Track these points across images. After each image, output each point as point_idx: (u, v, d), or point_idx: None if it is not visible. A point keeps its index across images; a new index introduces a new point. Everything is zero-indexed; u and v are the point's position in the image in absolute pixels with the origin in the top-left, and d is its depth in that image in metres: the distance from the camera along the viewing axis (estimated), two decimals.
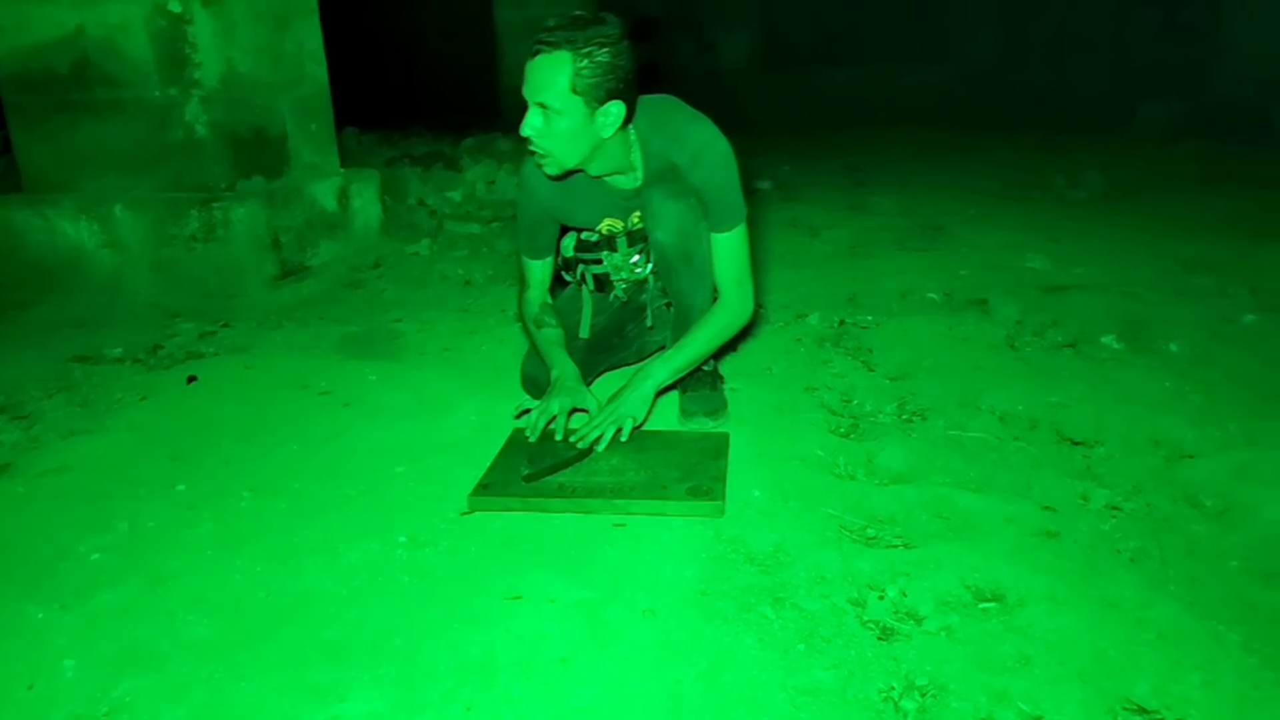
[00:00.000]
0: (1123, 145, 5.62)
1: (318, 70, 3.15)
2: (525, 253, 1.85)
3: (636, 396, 1.63)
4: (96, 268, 2.77)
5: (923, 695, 1.04)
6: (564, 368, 1.70)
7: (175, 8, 2.58)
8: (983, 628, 1.14)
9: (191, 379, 2.06)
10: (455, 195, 4.19)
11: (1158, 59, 8.55)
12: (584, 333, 1.90)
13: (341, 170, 3.27)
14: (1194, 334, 2.19)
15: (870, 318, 2.42)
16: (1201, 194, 3.97)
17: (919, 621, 1.17)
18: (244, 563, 1.31)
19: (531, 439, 1.59)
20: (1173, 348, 2.13)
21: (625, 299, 1.92)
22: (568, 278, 1.94)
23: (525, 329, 1.88)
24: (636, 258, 1.83)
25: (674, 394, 1.83)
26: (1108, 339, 2.18)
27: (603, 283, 1.89)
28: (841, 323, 2.41)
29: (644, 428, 1.66)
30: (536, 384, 1.81)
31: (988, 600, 1.20)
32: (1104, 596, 1.21)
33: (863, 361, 2.15)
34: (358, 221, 3.27)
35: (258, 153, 2.84)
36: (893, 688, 1.05)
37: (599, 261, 1.84)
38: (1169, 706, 1.03)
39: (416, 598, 1.22)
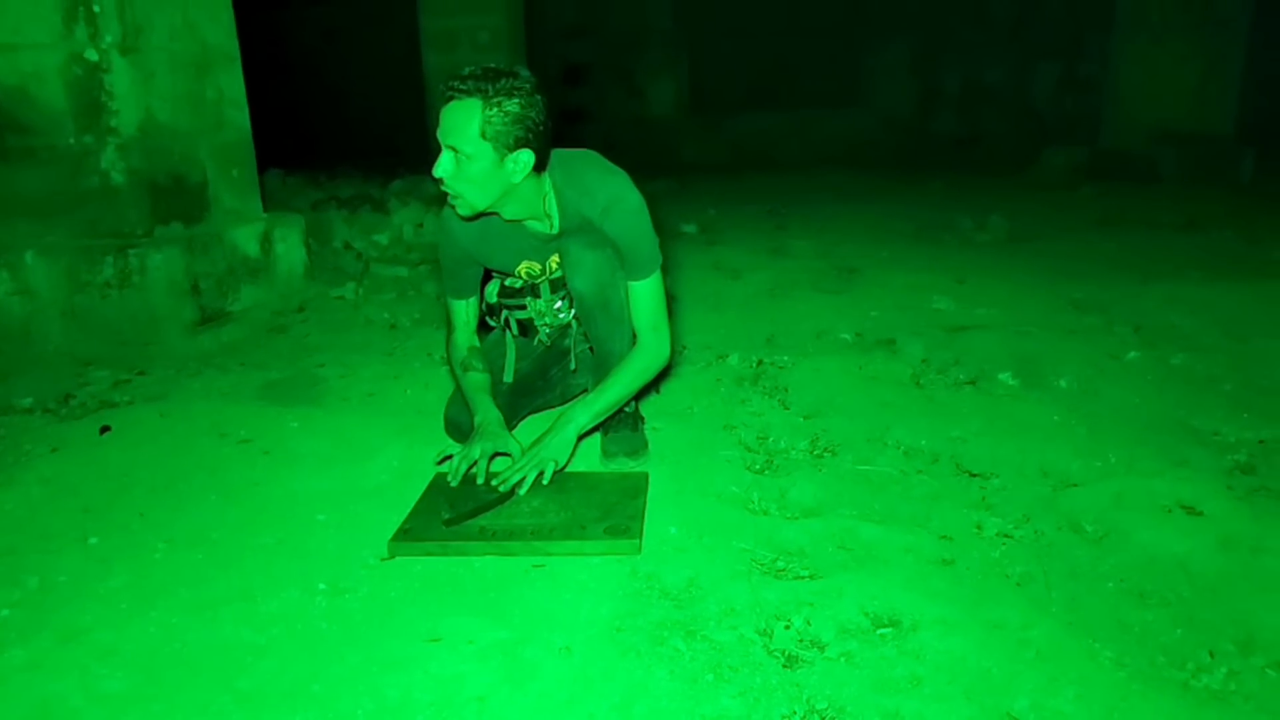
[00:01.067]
0: (1027, 190, 6.00)
1: (239, 116, 3.15)
2: (449, 293, 1.89)
3: (559, 440, 1.68)
4: (4, 316, 2.68)
5: (822, 717, 1.10)
6: (487, 413, 1.74)
7: (92, 56, 2.56)
8: (879, 652, 1.22)
9: (105, 429, 2.02)
10: (382, 238, 4.20)
11: (1059, 109, 9.18)
12: (508, 377, 1.95)
13: (264, 215, 3.26)
14: (1082, 370, 2.36)
15: (787, 358, 2.52)
16: (1096, 237, 4.27)
17: (821, 649, 1.23)
18: (159, 615, 1.30)
19: (453, 483, 1.62)
20: (1062, 383, 2.29)
21: (549, 343, 1.97)
22: (492, 323, 1.98)
23: (452, 372, 1.91)
24: (560, 303, 1.89)
25: (596, 436, 1.88)
26: (1004, 375, 2.33)
27: (526, 328, 1.94)
28: (760, 363, 2.51)
29: (566, 470, 1.71)
30: (460, 429, 1.85)
31: (885, 626, 1.28)
32: (991, 619, 1.30)
33: (779, 400, 2.24)
34: (281, 266, 3.25)
35: (176, 199, 2.82)
36: (795, 712, 1.11)
37: (523, 307, 1.89)
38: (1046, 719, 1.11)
39: (335, 644, 1.23)
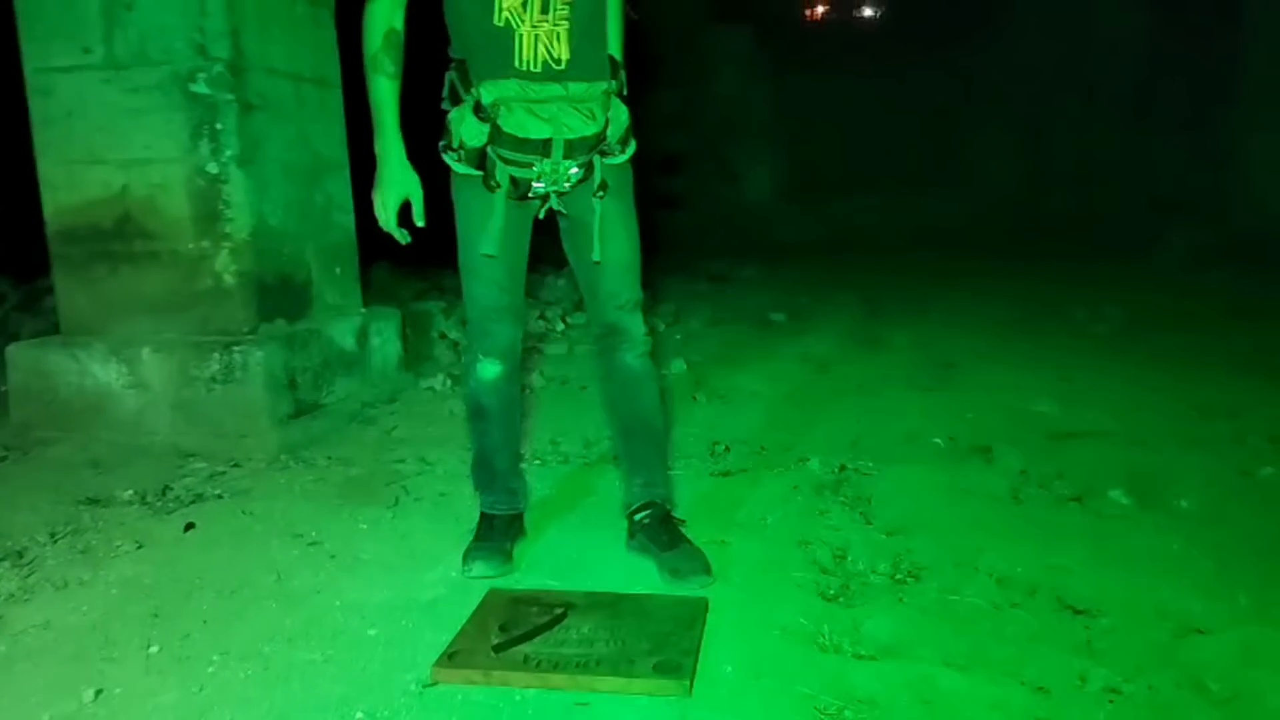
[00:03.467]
0: (1145, 276, 5.63)
1: (345, 219, 3.34)
2: None
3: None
4: (120, 408, 2.87)
5: None
6: (391, 143, 1.61)
7: (213, 169, 2.79)
8: None
9: (189, 526, 2.09)
10: None
11: (1181, 188, 8.67)
12: (489, 248, 1.63)
13: (362, 310, 3.40)
14: (1207, 489, 2.12)
15: (872, 464, 2.39)
16: (1223, 330, 3.92)
17: None
18: None
19: (392, 232, 1.64)
20: (1184, 504, 2.06)
21: (552, 212, 1.67)
22: (461, 167, 1.62)
23: (365, 57, 1.62)
24: (576, 169, 1.59)
25: (649, 555, 1.79)
26: (1115, 493, 2.12)
27: (520, 186, 1.60)
28: (842, 468, 2.38)
29: (621, 592, 1.64)
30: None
31: None
32: None
33: (861, 513, 2.10)
34: (375, 359, 3.37)
35: (282, 297, 2.98)
36: None
37: (527, 166, 1.57)
38: None
39: None
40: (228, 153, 2.79)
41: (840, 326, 4.30)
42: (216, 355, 2.79)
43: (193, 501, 2.32)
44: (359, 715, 1.33)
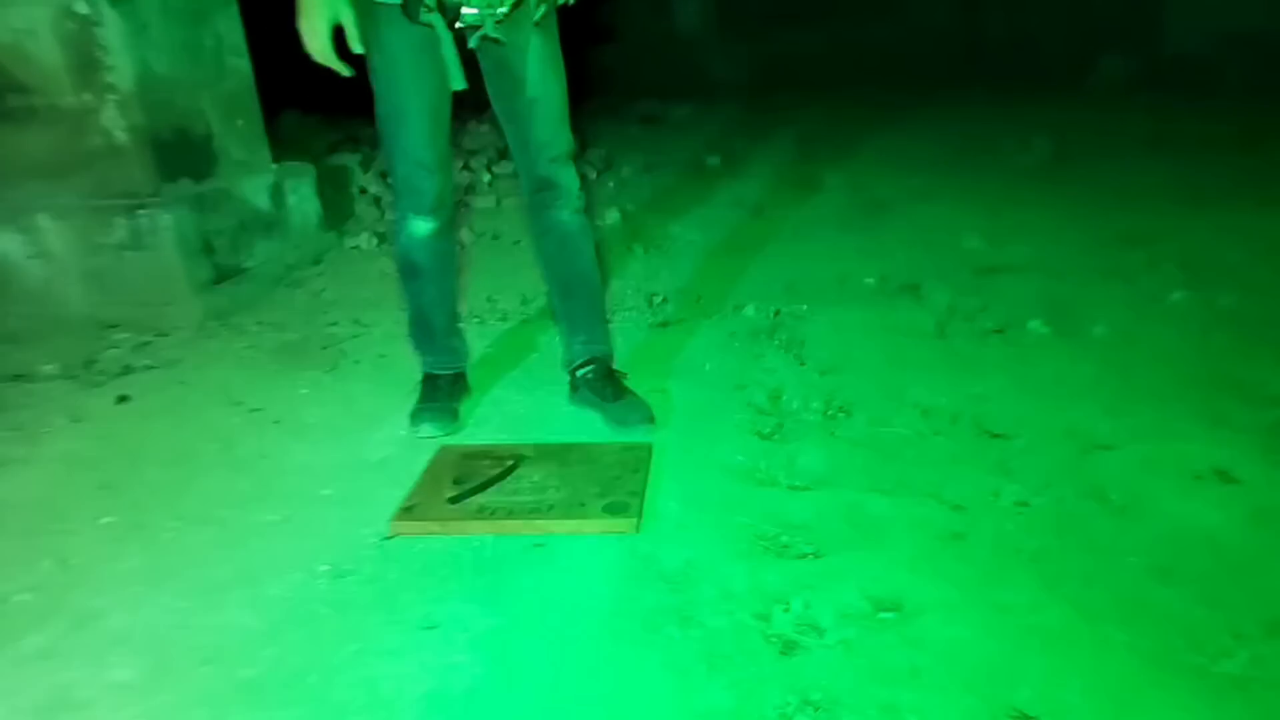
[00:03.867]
0: (1076, 104, 5.64)
1: (240, 63, 3.06)
2: None
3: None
4: (25, 279, 2.71)
5: (816, 710, 1.08)
6: None
7: (82, 9, 2.49)
8: (879, 639, 1.19)
9: (122, 398, 2.05)
10: None
11: (1115, 11, 8.55)
12: (416, 92, 1.53)
13: (274, 165, 3.20)
14: (1120, 315, 2.25)
15: (806, 307, 2.44)
16: (1147, 157, 4.01)
17: (820, 634, 1.21)
18: (168, 599, 1.32)
19: (330, 62, 1.49)
20: (1098, 330, 2.18)
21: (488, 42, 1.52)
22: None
23: None
24: None
25: (594, 406, 1.84)
26: (1035, 324, 2.23)
27: (449, 12, 1.47)
28: (777, 313, 2.43)
29: (569, 443, 1.69)
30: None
31: (886, 610, 1.24)
32: (998, 601, 1.26)
33: (795, 355, 2.17)
34: (294, 218, 3.22)
35: (182, 154, 2.78)
36: (788, 703, 1.09)
37: None
38: (1050, 712, 1.08)
39: (334, 631, 1.24)
40: None
41: (775, 169, 4.25)
42: (121, 220, 2.62)
43: (121, 374, 2.26)
44: (323, 568, 1.38)
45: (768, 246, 3.04)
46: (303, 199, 3.26)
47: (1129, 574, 1.34)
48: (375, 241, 3.38)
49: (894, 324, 2.29)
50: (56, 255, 2.68)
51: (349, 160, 4.19)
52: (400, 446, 1.77)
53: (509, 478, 1.56)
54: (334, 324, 2.55)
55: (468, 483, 1.54)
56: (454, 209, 1.75)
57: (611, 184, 4.05)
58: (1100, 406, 1.82)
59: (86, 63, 2.54)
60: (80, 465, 1.75)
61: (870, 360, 2.11)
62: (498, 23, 1.48)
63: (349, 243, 3.40)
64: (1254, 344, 2.07)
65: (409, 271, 1.76)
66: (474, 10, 1.45)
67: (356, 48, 1.53)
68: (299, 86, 3.27)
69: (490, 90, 1.64)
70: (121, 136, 2.61)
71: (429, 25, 1.47)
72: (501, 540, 1.43)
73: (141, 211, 2.59)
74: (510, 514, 1.45)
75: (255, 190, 3.00)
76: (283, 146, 3.40)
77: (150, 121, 2.65)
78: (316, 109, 5.71)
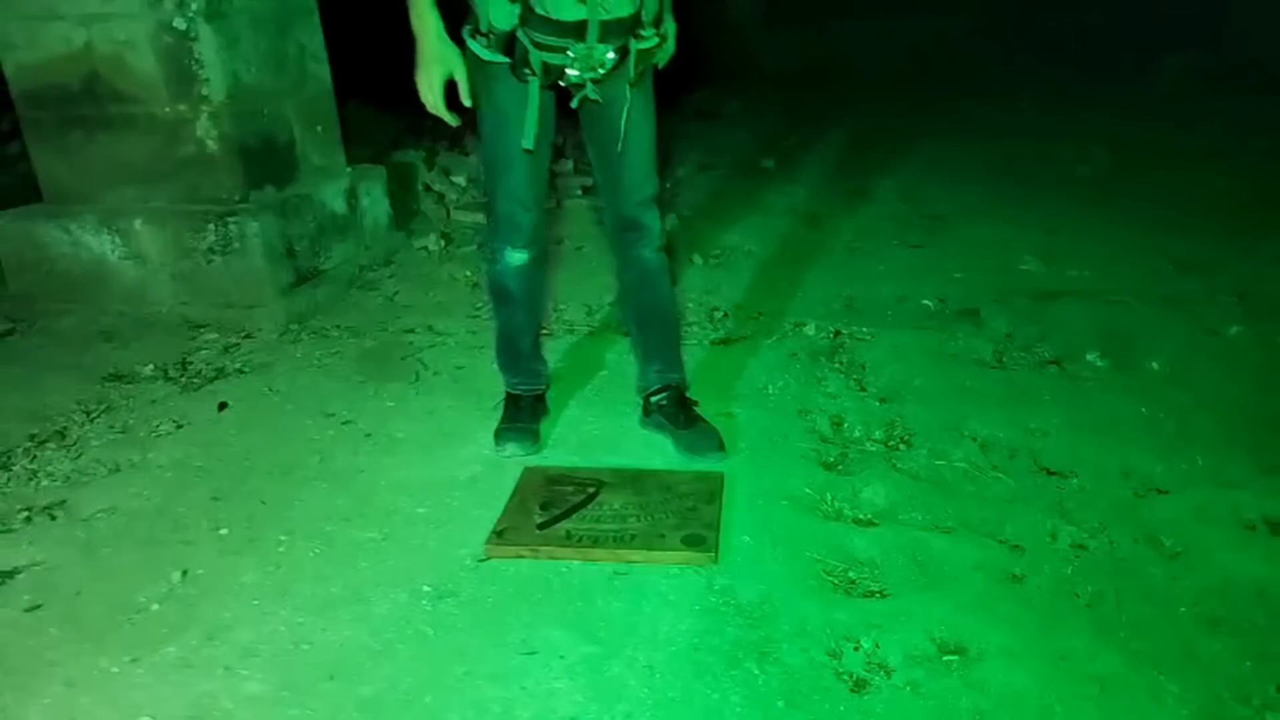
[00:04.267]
0: (1136, 105, 5.56)
1: (321, 70, 3.18)
2: None
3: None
4: (121, 279, 2.87)
5: None
6: (428, 17, 1.55)
7: (179, 24, 2.62)
8: (944, 683, 1.28)
9: (223, 406, 2.19)
10: (460, 179, 4.24)
11: (1180, 8, 8.32)
12: (528, 142, 1.62)
13: (348, 170, 3.33)
14: (1177, 349, 2.28)
15: (865, 329, 2.51)
16: (1208, 171, 3.97)
17: (888, 674, 1.31)
18: (287, 613, 1.46)
19: (438, 112, 1.61)
20: (1154, 365, 2.23)
21: (588, 101, 1.61)
22: (488, 53, 1.57)
23: None
24: (611, 54, 1.54)
25: (665, 432, 1.95)
26: (1092, 355, 2.28)
27: (552, 73, 1.56)
28: (837, 334, 2.51)
29: (645, 469, 1.80)
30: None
31: (950, 653, 1.34)
32: (1057, 649, 1.34)
33: (855, 380, 2.25)
34: (366, 220, 3.35)
35: (267, 161, 2.91)
36: None
37: (560, 50, 1.52)
38: None
39: (441, 651, 1.37)
40: (194, 7, 2.61)
41: (828, 174, 4.28)
42: (211, 227, 2.76)
43: (215, 377, 2.41)
44: (426, 589, 1.51)
45: (825, 259, 3.10)
46: (374, 201, 3.39)
47: (1180, 624, 1.42)
48: (442, 244, 3.50)
49: (953, 350, 2.36)
50: (149, 257, 2.84)
51: (414, 157, 4.30)
52: (486, 465, 1.89)
53: (591, 505, 1.67)
54: (410, 331, 2.67)
55: (554, 508, 1.65)
56: (545, 242, 1.85)
57: (668, 184, 4.11)
58: (1155, 448, 1.88)
59: (182, 75, 2.67)
60: (191, 474, 1.90)
61: (930, 388, 2.18)
62: (596, 83, 1.57)
63: (417, 243, 3.52)
64: None
65: (502, 297, 1.87)
66: (575, 72, 1.54)
67: (467, 101, 1.63)
68: (362, 76, 3.34)
69: (586, 135, 1.73)
70: (213, 146, 2.74)
71: (527, 82, 1.56)
72: (587, 567, 1.55)
73: (232, 219, 2.73)
74: (595, 542, 1.57)
75: (333, 195, 3.13)
76: (349, 140, 3.51)
77: (239, 131, 2.78)
78: (377, 99, 5.83)
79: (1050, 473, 1.83)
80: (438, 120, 1.68)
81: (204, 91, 2.69)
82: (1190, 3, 7.64)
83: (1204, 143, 4.49)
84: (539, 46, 1.51)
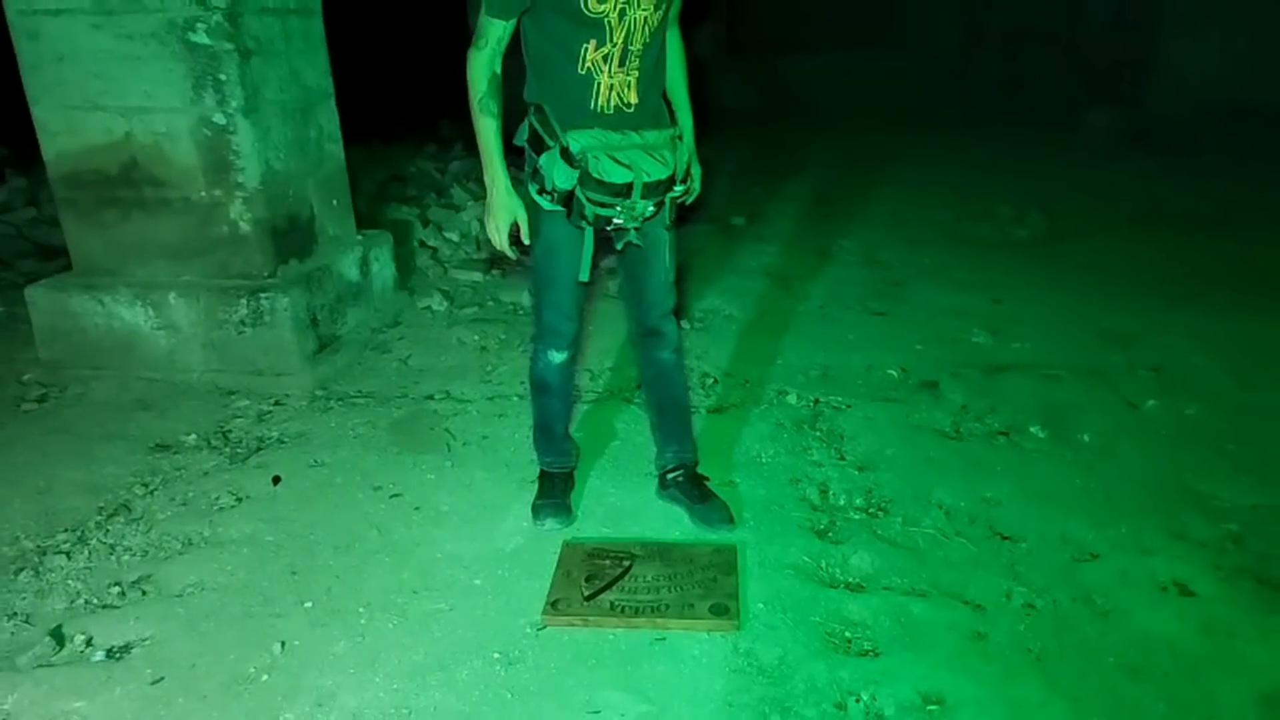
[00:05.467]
0: (1066, 166, 6.11)
1: (335, 149, 3.43)
2: (492, 7, 1.77)
3: (697, 173, 2.08)
4: (152, 347, 3.06)
5: None
6: (498, 174, 1.86)
7: (219, 120, 2.84)
8: None
9: (276, 480, 2.43)
10: (454, 236, 4.50)
11: (1108, 54, 9.02)
12: (584, 276, 1.94)
13: (359, 236, 3.56)
14: (1103, 422, 2.69)
15: (840, 398, 2.87)
16: (1131, 238, 4.48)
17: None
18: (382, 680, 1.72)
19: (507, 252, 1.94)
20: (1085, 437, 2.62)
21: (628, 244, 1.92)
22: (550, 205, 1.86)
23: (471, 100, 1.82)
24: (652, 207, 1.87)
25: (681, 506, 2.25)
26: (1034, 428, 2.66)
27: (601, 221, 1.85)
28: (816, 402, 2.86)
29: (668, 541, 2.11)
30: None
31: (933, 703, 1.67)
32: (1014, 696, 1.69)
33: (835, 449, 2.60)
34: (376, 284, 3.59)
35: (292, 237, 3.14)
36: None
37: (610, 205, 1.81)
38: None
39: (521, 713, 1.65)
40: (233, 104, 2.84)
41: (796, 231, 4.66)
42: (244, 301, 2.98)
43: (259, 448, 2.63)
44: (496, 655, 1.78)
45: (800, 327, 3.46)
46: (383, 265, 3.64)
47: (1109, 673, 1.78)
48: (446, 303, 3.75)
49: (917, 422, 2.72)
50: (181, 327, 3.04)
51: (407, 214, 4.54)
52: (526, 537, 2.17)
53: (627, 577, 1.97)
54: (430, 398, 2.93)
55: (597, 580, 1.95)
56: (579, 344, 2.15)
57: None
58: (1088, 516, 2.26)
59: (219, 164, 2.89)
60: (265, 549, 2.14)
61: (900, 458, 2.53)
62: (636, 229, 1.88)
63: (420, 303, 3.77)
64: (1213, 457, 2.52)
65: (542, 389, 2.16)
66: (620, 221, 1.85)
67: (526, 239, 1.93)
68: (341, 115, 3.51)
69: (621, 264, 2.04)
70: (246, 228, 2.97)
71: (581, 229, 1.86)
72: (630, 634, 1.84)
73: (264, 295, 2.96)
74: (637, 612, 1.87)
75: (349, 264, 3.37)
76: None
77: (270, 213, 3.01)
78: (355, 138, 6.02)
79: (1004, 538, 2.19)
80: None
81: (239, 179, 2.91)
82: (1112, 66, 8.34)
83: (1127, 209, 5.01)
84: (592, 201, 1.82)
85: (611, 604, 1.89)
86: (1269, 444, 2.57)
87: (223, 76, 2.81)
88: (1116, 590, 1.99)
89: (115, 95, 2.85)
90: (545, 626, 1.86)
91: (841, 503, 2.33)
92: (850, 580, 2.04)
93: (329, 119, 3.36)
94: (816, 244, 4.44)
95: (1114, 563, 2.08)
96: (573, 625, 1.86)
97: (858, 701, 1.67)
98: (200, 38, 2.75)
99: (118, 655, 1.80)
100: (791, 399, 2.89)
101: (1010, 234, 4.63)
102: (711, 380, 3.05)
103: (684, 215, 2.08)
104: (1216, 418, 2.72)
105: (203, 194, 2.94)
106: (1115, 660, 1.81)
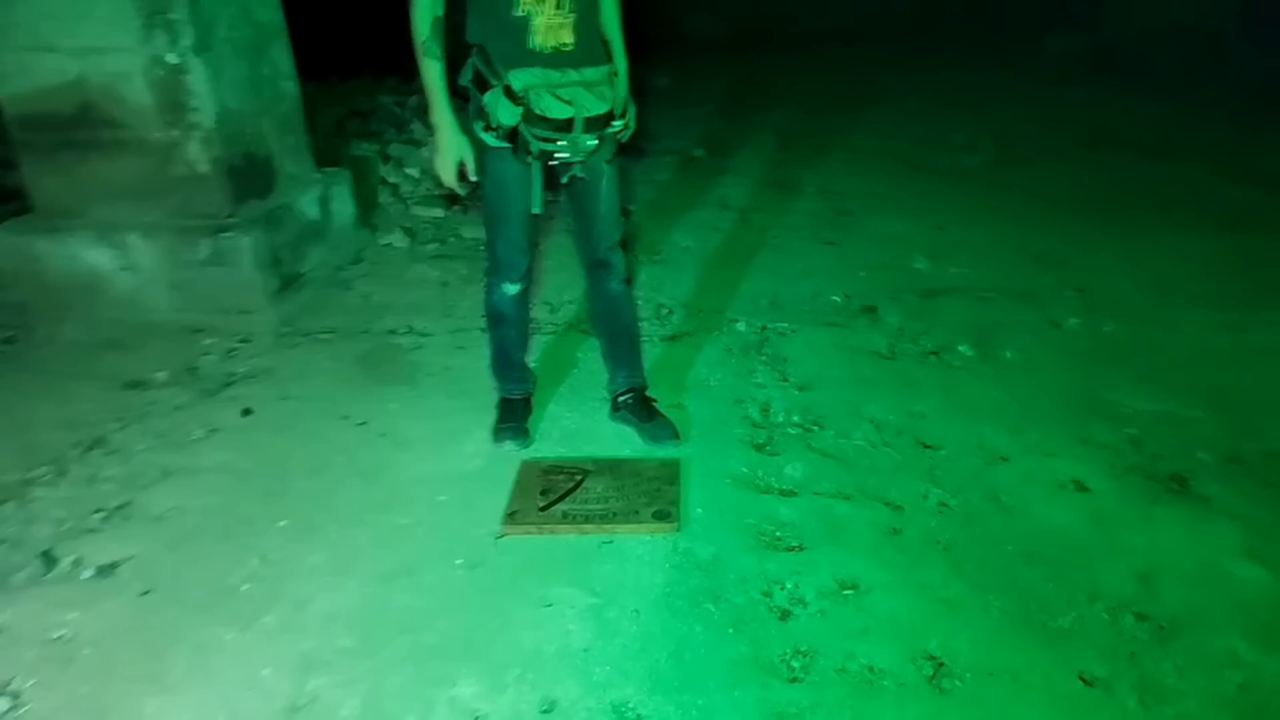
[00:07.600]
0: (1019, 91, 6.19)
1: (290, 86, 3.44)
2: None
3: (633, 113, 2.15)
4: (115, 287, 3.13)
5: (804, 657, 1.72)
6: (444, 115, 1.96)
7: (172, 59, 2.86)
8: (843, 609, 1.83)
9: (246, 411, 2.55)
10: (414, 172, 4.53)
11: None
12: (537, 208, 2.04)
13: (318, 175, 3.61)
14: (1027, 340, 2.88)
15: (786, 324, 3.03)
16: (1080, 161, 4.62)
17: (805, 606, 1.84)
18: (355, 585, 1.89)
19: (456, 190, 2.07)
20: (1008, 355, 2.82)
21: (575, 178, 2.03)
22: (495, 142, 1.95)
23: (415, 43, 1.91)
24: (593, 141, 1.98)
25: (630, 426, 2.42)
26: (963, 347, 2.85)
27: (545, 156, 1.96)
28: (763, 329, 3.02)
29: (618, 458, 2.28)
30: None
31: (848, 589, 1.88)
32: (921, 581, 1.91)
33: (779, 372, 2.77)
34: (336, 221, 3.65)
35: (251, 176, 3.19)
36: (786, 653, 1.73)
37: (552, 141, 1.92)
38: (948, 655, 1.74)
39: (482, 608, 1.83)
40: (185, 42, 2.86)
41: (755, 165, 4.75)
42: (206, 241, 3.05)
43: (229, 383, 2.75)
44: (459, 562, 1.96)
45: (754, 257, 3.60)
46: (342, 203, 3.69)
47: (1007, 559, 2.00)
48: (407, 240, 3.83)
49: (855, 344, 2.90)
50: (145, 268, 3.11)
51: (368, 150, 4.55)
52: (487, 459, 2.33)
53: (579, 490, 2.15)
54: (393, 332, 3.05)
55: (551, 494, 2.12)
56: (532, 275, 2.27)
57: None
58: (1003, 425, 2.46)
59: (174, 104, 2.92)
60: (239, 476, 2.28)
61: (837, 377, 2.71)
62: (581, 163, 1.99)
63: (381, 239, 3.85)
64: (1122, 368, 2.73)
65: (498, 320, 2.29)
66: (565, 155, 1.96)
67: (474, 177, 2.03)
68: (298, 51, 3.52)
69: (567, 197, 2.15)
70: (204, 167, 3.02)
71: (528, 164, 1.97)
72: (581, 539, 2.03)
73: (225, 234, 3.03)
74: (586, 520, 2.05)
75: (308, 203, 3.43)
76: None
77: (227, 152, 3.05)
78: (312, 74, 5.93)
79: (926, 446, 2.39)
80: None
81: (195, 119, 2.95)
82: None
83: (1077, 133, 5.14)
84: (536, 138, 1.92)
85: (564, 514, 2.07)
86: (1173, 355, 2.79)
87: (173, 15, 2.82)
88: (1021, 489, 2.20)
89: (68, 36, 2.85)
90: (504, 535, 2.04)
91: (780, 420, 2.51)
92: (784, 487, 2.23)
93: (283, 56, 3.36)
94: (775, 175, 4.54)
95: (1021, 465, 2.29)
96: (529, 534, 2.04)
97: (782, 589, 1.88)
98: None
99: (106, 572, 1.95)
100: (741, 326, 3.04)
101: (961, 162, 4.76)
102: (667, 311, 3.19)
103: (644, 148, 2.18)
104: (1130, 333, 2.92)
105: (159, 134, 2.97)
106: (1013, 548, 2.02)
